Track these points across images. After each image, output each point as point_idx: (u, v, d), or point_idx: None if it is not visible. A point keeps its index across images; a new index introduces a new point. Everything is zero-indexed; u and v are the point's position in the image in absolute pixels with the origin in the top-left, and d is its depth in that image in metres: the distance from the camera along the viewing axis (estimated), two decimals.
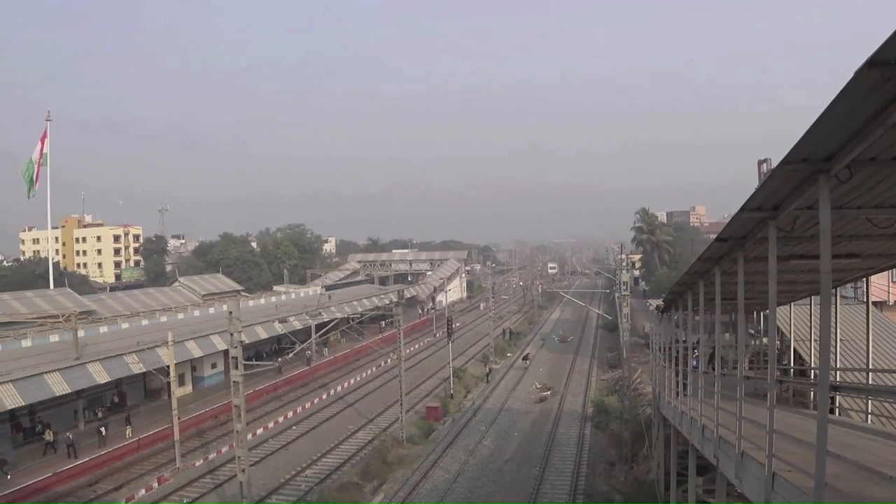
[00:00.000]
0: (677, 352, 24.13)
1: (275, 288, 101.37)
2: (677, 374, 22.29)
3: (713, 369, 16.68)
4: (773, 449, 9.46)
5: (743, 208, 9.60)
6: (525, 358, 68.17)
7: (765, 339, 27.27)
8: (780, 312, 24.28)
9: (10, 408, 34.62)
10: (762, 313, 28.53)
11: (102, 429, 39.54)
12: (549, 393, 55.04)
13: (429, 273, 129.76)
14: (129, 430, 40.57)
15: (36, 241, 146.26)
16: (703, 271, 15.94)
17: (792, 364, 25.93)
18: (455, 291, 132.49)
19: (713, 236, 13.10)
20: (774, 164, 8.20)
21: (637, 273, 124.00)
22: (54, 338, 46.24)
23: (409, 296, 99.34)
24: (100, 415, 42.78)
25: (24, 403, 35.18)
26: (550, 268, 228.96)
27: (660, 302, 30.36)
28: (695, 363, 19.74)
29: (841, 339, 21.16)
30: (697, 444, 16.37)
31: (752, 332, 30.45)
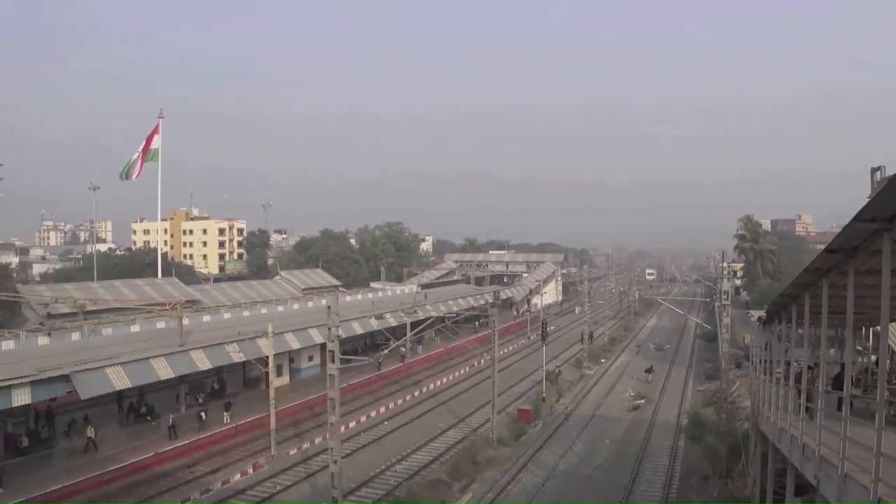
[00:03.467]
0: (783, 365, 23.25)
1: (372, 284, 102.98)
2: (780, 390, 21.48)
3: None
4: (881, 473, 9.01)
5: (856, 218, 9.18)
6: (648, 371, 65.45)
7: (874, 357, 25.98)
8: (892, 329, 23.08)
9: (118, 388, 36.39)
10: (871, 329, 27.21)
11: (202, 413, 41.22)
12: (642, 402, 53.96)
13: (525, 275, 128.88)
14: (227, 417, 42.03)
15: (146, 232, 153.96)
16: (809, 283, 15.31)
17: None
18: (550, 294, 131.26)
19: (820, 246, 12.60)
20: (889, 172, 7.79)
21: (738, 282, 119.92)
22: (160, 324, 48.31)
23: (504, 297, 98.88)
24: (200, 400, 44.69)
25: (130, 385, 36.71)
26: (648, 274, 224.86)
27: (762, 313, 29.29)
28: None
29: None
30: (797, 463, 15.76)
31: (860, 348, 29.09)
